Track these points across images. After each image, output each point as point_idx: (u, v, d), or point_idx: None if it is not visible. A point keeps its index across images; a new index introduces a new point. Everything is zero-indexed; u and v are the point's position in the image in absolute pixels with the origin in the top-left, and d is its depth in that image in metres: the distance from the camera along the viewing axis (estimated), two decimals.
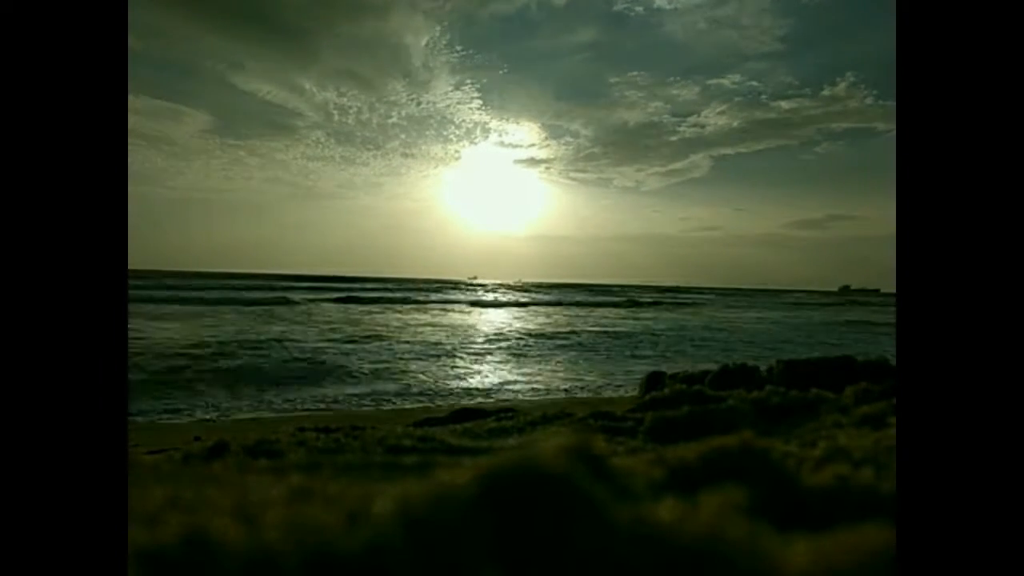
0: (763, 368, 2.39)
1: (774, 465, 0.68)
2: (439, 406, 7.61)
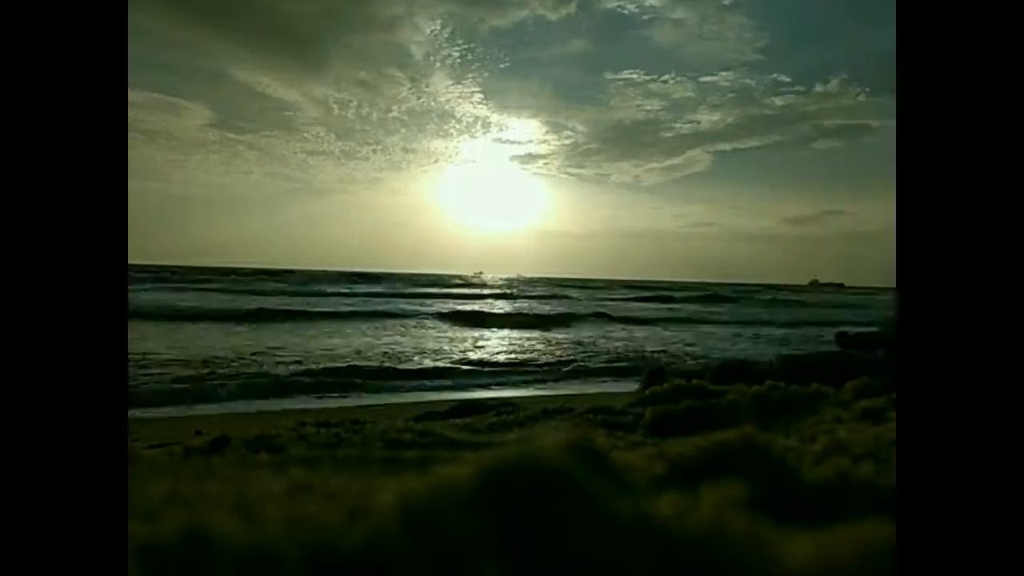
0: (763, 363, 2.39)
1: (774, 459, 0.68)
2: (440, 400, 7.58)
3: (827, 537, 0.43)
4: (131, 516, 0.44)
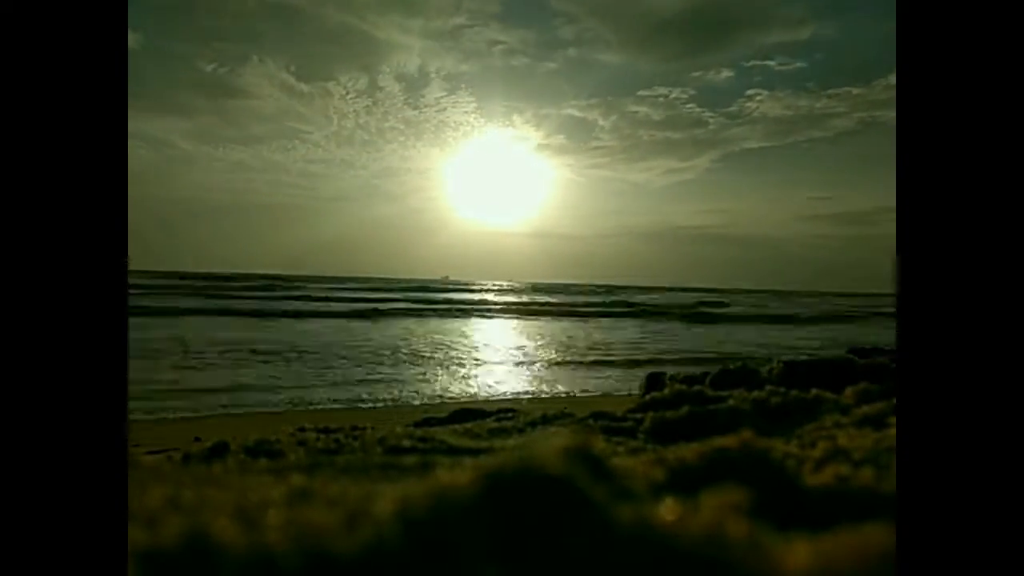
0: (763, 369, 2.39)
1: (774, 465, 0.68)
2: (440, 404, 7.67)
3: (827, 543, 0.43)
4: (131, 522, 0.44)
